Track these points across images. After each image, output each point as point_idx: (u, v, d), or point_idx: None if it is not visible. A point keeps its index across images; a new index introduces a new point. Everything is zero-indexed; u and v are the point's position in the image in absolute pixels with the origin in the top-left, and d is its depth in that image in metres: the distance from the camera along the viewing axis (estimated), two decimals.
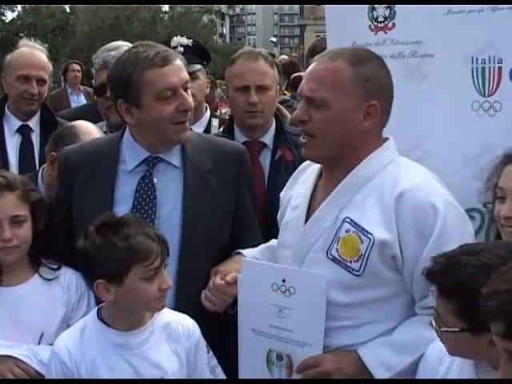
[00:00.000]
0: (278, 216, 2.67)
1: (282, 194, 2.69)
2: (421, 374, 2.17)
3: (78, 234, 2.60)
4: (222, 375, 2.54)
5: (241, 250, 2.69)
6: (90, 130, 3.23)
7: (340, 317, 2.29)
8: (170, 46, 3.78)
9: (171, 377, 2.38)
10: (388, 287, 2.27)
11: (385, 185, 2.27)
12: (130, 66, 2.59)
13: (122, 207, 2.66)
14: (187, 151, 2.73)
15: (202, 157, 2.76)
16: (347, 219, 2.28)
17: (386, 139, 2.38)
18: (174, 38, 3.92)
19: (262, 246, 2.76)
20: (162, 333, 2.42)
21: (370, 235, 2.23)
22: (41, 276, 2.68)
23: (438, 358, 2.11)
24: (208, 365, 2.48)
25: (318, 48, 4.44)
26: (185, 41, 3.91)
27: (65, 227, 2.75)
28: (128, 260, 2.27)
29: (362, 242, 2.24)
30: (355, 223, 2.26)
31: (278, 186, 2.85)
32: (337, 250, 2.28)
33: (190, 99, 2.67)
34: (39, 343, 2.60)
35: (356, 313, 2.29)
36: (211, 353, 2.51)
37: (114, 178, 2.71)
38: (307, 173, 2.55)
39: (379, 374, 2.22)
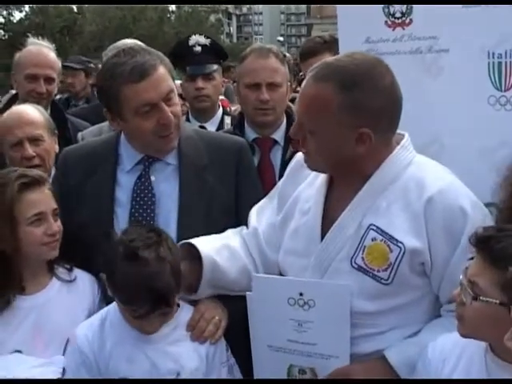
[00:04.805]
0: (283, 212, 2.50)
1: (282, 190, 2.55)
2: (423, 375, 2.08)
3: (80, 235, 2.58)
4: (238, 375, 2.51)
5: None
6: None
7: (365, 325, 2.20)
8: (188, 44, 3.82)
9: (188, 373, 2.36)
10: (415, 292, 2.19)
11: (409, 188, 2.18)
12: (109, 79, 2.54)
13: (123, 207, 2.65)
14: (183, 148, 2.70)
15: (199, 153, 2.72)
16: (372, 226, 2.18)
17: (401, 136, 2.28)
18: (193, 37, 3.91)
19: (217, 245, 2.54)
20: (185, 329, 2.42)
21: (400, 244, 2.13)
22: (58, 278, 2.58)
23: (441, 358, 2.04)
24: (226, 363, 2.46)
25: (303, 49, 4.47)
26: (203, 40, 3.90)
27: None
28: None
29: (392, 251, 2.14)
30: (382, 231, 2.16)
31: None
32: (362, 258, 2.18)
33: (176, 109, 2.59)
34: (65, 349, 2.46)
35: (382, 319, 2.20)
36: (230, 352, 2.49)
37: (113, 179, 2.69)
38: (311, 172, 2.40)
39: (404, 373, 2.14)
